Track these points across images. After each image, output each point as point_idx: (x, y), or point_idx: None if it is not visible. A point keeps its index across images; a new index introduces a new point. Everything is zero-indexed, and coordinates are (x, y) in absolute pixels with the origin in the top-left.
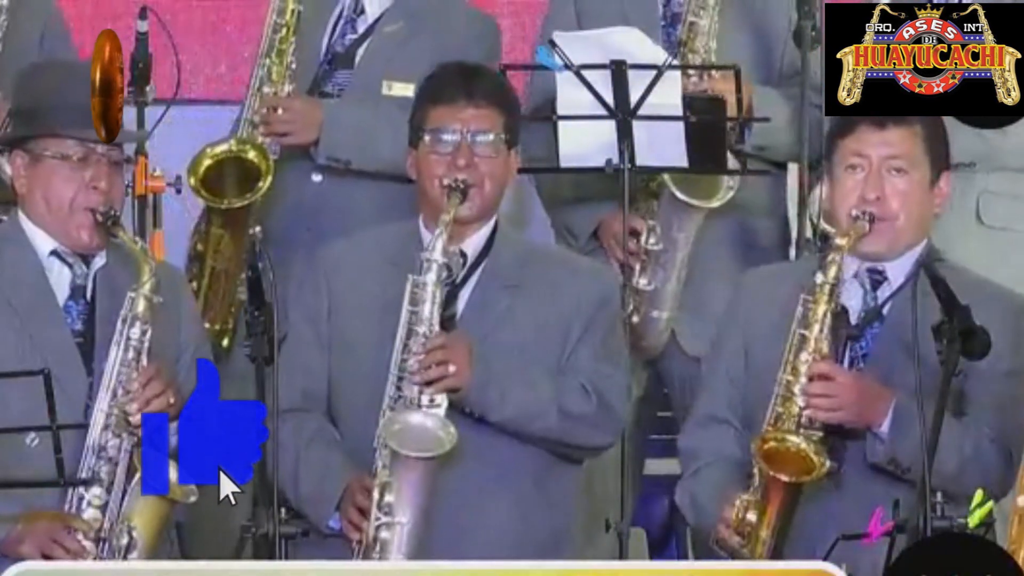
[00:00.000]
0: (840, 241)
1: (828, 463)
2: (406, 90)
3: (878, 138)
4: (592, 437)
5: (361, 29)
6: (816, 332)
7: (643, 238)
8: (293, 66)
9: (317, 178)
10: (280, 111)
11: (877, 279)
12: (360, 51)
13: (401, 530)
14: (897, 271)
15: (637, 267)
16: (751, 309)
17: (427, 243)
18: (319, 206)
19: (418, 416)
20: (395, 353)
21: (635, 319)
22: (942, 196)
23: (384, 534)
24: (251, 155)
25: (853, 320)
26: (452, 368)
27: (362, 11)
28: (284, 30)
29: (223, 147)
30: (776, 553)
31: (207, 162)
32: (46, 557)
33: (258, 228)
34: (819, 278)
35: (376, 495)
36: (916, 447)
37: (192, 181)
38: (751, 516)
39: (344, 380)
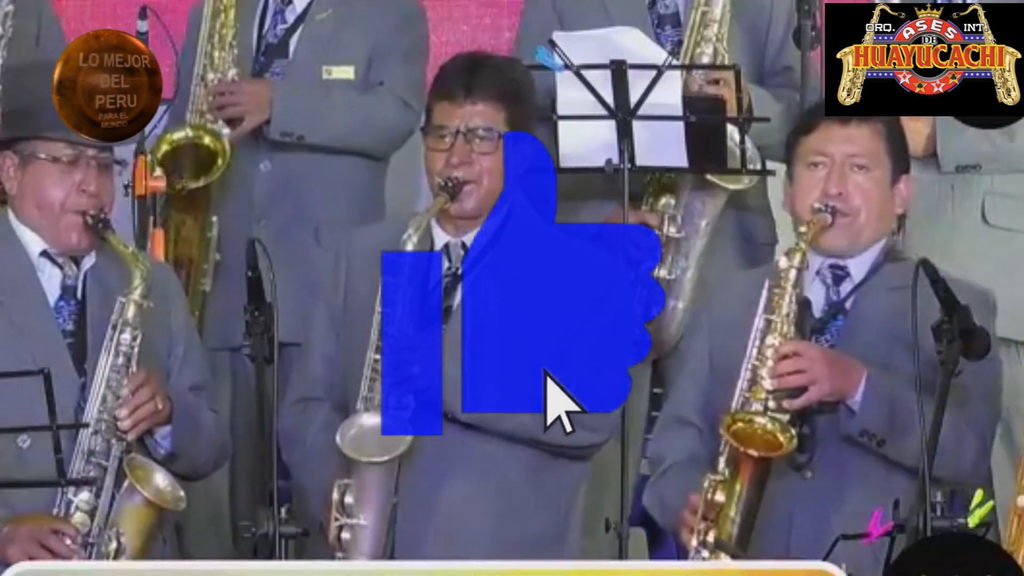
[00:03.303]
0: (802, 229)
1: (795, 441)
2: (346, 73)
3: (842, 135)
4: (575, 436)
5: (291, 18)
6: (782, 316)
7: (664, 228)
8: (236, 51)
9: (264, 166)
10: (229, 95)
11: (839, 274)
12: (294, 39)
13: (361, 531)
14: (859, 266)
15: None
16: (714, 312)
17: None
18: (269, 195)
19: (373, 418)
20: (368, 353)
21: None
22: (903, 197)
23: (345, 535)
24: (206, 140)
25: (817, 315)
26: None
27: (289, 1)
28: (223, 15)
29: (180, 134)
30: (743, 534)
31: (164, 148)
32: (33, 560)
33: (215, 218)
34: (783, 263)
35: (336, 496)
36: (890, 419)
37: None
38: (719, 496)
39: (353, 368)
